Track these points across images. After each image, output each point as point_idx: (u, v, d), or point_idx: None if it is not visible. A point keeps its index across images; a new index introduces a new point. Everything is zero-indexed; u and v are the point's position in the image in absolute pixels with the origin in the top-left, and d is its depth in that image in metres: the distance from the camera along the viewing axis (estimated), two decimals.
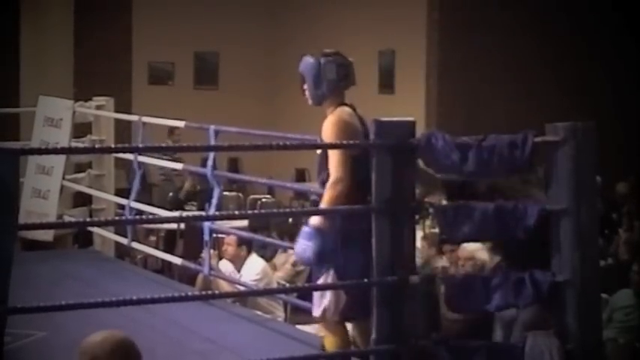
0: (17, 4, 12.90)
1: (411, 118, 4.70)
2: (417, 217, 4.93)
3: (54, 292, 6.75)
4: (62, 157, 8.46)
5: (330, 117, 4.93)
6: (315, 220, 4.84)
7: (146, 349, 3.56)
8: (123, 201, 8.11)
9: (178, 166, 8.90)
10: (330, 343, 4.96)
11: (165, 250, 9.36)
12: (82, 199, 9.03)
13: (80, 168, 9.16)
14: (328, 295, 4.87)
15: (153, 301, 4.82)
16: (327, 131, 4.86)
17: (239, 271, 7.54)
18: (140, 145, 7.47)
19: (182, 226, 9.90)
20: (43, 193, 8.43)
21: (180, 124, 7.80)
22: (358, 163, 4.78)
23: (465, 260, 7.14)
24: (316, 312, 4.96)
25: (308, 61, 5.02)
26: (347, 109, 4.96)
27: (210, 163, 6.97)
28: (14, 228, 4.25)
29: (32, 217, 8.06)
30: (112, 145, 8.99)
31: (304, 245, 4.78)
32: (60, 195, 8.49)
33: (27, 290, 5.22)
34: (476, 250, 7.12)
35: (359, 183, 4.76)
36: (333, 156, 4.80)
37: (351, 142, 4.79)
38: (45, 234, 8.37)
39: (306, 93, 5.05)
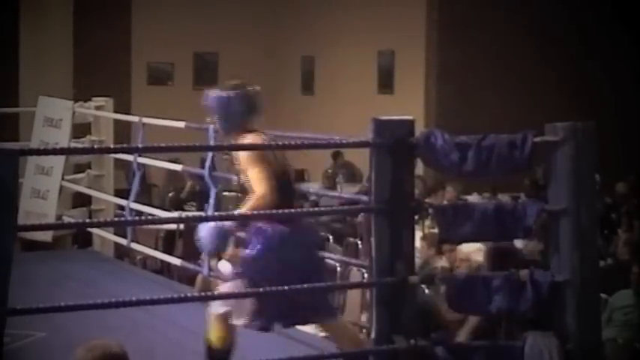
0: (17, 5, 12.91)
1: (410, 117, 4.72)
2: (416, 217, 4.95)
3: (53, 292, 6.75)
4: (61, 158, 8.46)
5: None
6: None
7: (145, 350, 3.57)
8: (122, 202, 8.11)
9: (178, 167, 8.90)
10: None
11: (165, 251, 9.35)
12: (82, 200, 9.03)
13: (79, 168, 9.16)
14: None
15: (152, 302, 4.82)
16: (244, 157, 4.87)
17: None
18: (140, 146, 7.48)
19: (182, 226, 9.89)
20: (43, 194, 8.43)
21: (180, 124, 7.81)
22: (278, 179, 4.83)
23: (460, 262, 7.17)
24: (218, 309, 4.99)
25: (214, 95, 5.08)
26: (257, 136, 4.98)
27: (208, 163, 6.98)
28: (14, 228, 4.25)
29: (31, 218, 8.06)
30: (112, 146, 8.98)
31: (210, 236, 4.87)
32: (59, 195, 8.50)
33: (26, 291, 5.21)
34: (472, 251, 7.14)
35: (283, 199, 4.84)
36: (253, 174, 4.82)
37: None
38: (44, 235, 8.36)
39: (217, 124, 5.13)
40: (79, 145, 8.54)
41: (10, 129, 10.31)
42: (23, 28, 11.39)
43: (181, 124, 7.81)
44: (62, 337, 5.61)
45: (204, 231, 4.89)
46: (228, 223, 4.93)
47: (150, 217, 7.64)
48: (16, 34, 10.56)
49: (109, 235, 8.63)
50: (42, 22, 13.91)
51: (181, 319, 6.30)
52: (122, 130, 9.46)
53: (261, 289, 4.76)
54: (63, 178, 8.55)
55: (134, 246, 8.13)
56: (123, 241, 8.21)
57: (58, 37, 13.27)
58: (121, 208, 8.23)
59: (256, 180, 4.81)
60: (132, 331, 5.38)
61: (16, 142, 9.30)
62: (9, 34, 11.06)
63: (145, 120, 8.07)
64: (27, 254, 8.15)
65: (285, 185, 4.91)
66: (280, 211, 4.83)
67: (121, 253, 9.00)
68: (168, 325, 6.23)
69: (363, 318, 6.24)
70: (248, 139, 4.95)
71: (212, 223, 4.93)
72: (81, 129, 8.87)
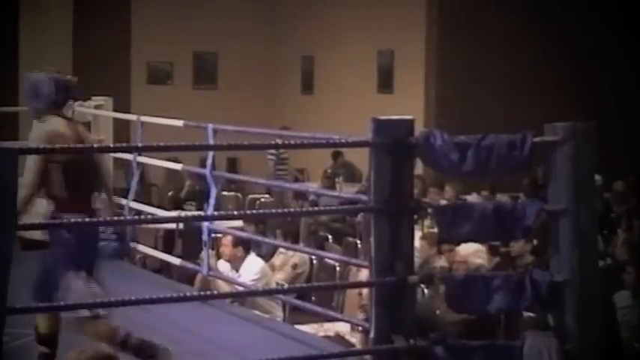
0: (16, 4, 12.92)
1: (409, 117, 4.72)
2: (415, 216, 4.95)
3: None
4: None
5: (42, 125, 5.20)
6: None
7: None
8: (122, 201, 8.10)
9: (177, 166, 8.89)
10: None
11: (164, 250, 9.35)
12: None
13: None
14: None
15: (151, 301, 4.83)
16: (33, 135, 5.19)
17: (237, 271, 7.55)
18: (139, 145, 7.48)
19: (181, 226, 9.90)
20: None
21: (179, 123, 7.81)
22: (67, 169, 5.07)
23: (458, 264, 7.18)
24: None
25: (27, 77, 5.37)
26: (62, 119, 5.26)
27: (209, 162, 6.99)
28: (13, 227, 4.25)
29: (31, 217, 8.02)
30: (111, 145, 8.98)
31: None
32: None
33: (26, 290, 5.21)
34: (470, 253, 7.15)
35: (75, 188, 5.15)
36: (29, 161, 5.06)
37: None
38: (44, 234, 8.33)
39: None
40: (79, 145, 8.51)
41: (10, 128, 10.33)
42: (23, 28, 11.43)
43: (180, 123, 7.81)
44: (61, 336, 5.62)
45: None
46: None
47: (149, 217, 7.65)
48: (15, 33, 10.59)
49: None
50: (41, 22, 13.93)
51: (180, 318, 6.32)
52: (121, 130, 9.46)
53: None
54: None
55: (133, 245, 8.14)
56: None
57: (58, 37, 13.29)
58: (121, 207, 8.22)
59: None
60: (131, 330, 5.38)
61: (16, 140, 9.28)
62: (9, 33, 11.08)
63: (144, 119, 8.09)
64: (27, 253, 8.12)
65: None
66: (279, 211, 4.88)
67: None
68: (168, 324, 6.24)
69: (361, 317, 6.24)
70: (51, 122, 5.19)
71: None
72: None
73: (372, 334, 4.62)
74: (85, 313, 5.06)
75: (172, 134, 7.97)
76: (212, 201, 6.96)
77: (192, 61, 16.31)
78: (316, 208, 9.01)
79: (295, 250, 8.81)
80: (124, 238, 5.40)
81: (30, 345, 5.82)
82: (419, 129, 4.72)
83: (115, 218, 7.82)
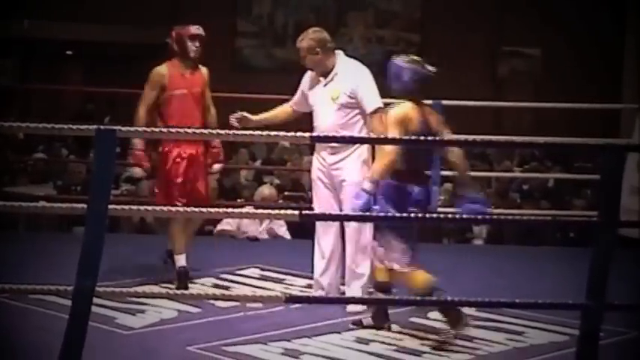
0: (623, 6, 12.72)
1: None
2: None
3: None
4: None
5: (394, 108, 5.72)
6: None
7: None
8: None
9: None
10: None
11: None
12: None
13: None
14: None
15: None
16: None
17: None
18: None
19: None
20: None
21: None
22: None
23: None
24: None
25: (392, 62, 5.81)
26: (413, 104, 5.70)
27: None
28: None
29: (630, 215, 8.01)
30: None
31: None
32: None
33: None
34: None
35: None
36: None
37: None
38: (632, 231, 8.33)
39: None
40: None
41: (611, 126, 10.32)
42: (629, 29, 11.21)
43: None
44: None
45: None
46: None
47: None
48: (622, 33, 10.45)
49: None
50: None
51: None
52: None
53: None
54: None
55: None
56: None
57: None
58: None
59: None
60: None
61: (618, 138, 9.30)
62: (616, 33, 11.00)
63: None
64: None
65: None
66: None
67: None
68: None
69: None
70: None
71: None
72: None
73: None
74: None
75: None
76: None
77: None
78: None
79: None
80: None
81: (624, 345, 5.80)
82: None
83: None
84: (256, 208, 8.90)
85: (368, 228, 6.31)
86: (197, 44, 6.80)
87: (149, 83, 6.76)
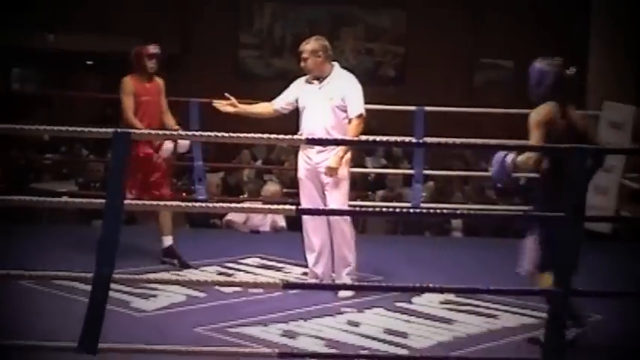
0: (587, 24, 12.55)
1: None
2: None
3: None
4: (623, 157, 8.34)
5: (537, 110, 5.26)
6: None
7: None
8: None
9: None
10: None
11: None
12: (639, 197, 8.84)
13: (638, 168, 8.96)
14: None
15: None
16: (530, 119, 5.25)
17: None
18: None
19: None
20: (603, 189, 8.37)
21: None
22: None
23: None
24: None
25: (534, 66, 5.43)
26: (556, 105, 5.27)
27: None
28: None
29: (593, 212, 8.02)
30: None
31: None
32: (618, 192, 8.38)
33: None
34: None
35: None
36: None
37: None
38: (604, 226, 8.34)
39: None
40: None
41: None
42: (592, 45, 11.05)
43: None
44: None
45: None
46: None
47: None
48: (586, 48, 10.40)
49: None
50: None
51: None
52: None
53: None
54: (623, 176, 8.42)
55: None
56: None
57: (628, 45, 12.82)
58: None
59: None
60: None
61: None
62: (580, 48, 10.94)
63: None
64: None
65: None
66: None
67: None
68: None
69: None
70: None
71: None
72: None
73: None
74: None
75: None
76: None
77: None
78: None
79: None
80: None
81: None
82: None
83: None
84: (264, 203, 8.92)
85: (349, 220, 6.40)
86: (154, 61, 7.12)
87: (125, 92, 7.07)
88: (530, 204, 5.34)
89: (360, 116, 6.33)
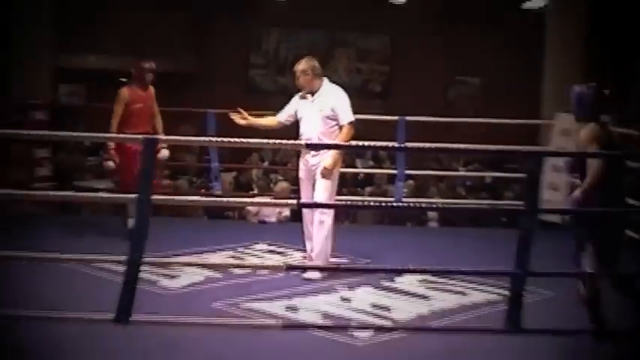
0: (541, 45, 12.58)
1: None
2: None
3: None
4: (572, 160, 8.33)
5: (583, 129, 4.99)
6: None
7: None
8: None
9: None
10: None
11: None
12: None
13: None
14: None
15: None
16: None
17: None
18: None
19: None
20: (555, 186, 8.37)
21: None
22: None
23: None
24: None
25: (573, 89, 5.10)
26: (597, 124, 4.98)
27: None
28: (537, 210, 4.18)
29: (546, 205, 8.02)
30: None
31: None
32: (568, 188, 8.38)
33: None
34: None
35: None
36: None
37: None
38: (555, 218, 8.34)
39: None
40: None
41: (533, 137, 10.32)
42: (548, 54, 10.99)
43: None
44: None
45: None
46: None
47: None
48: (541, 67, 10.39)
49: None
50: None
51: None
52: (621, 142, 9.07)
53: None
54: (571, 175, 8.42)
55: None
56: None
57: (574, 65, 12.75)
58: None
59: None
60: None
61: (538, 146, 9.28)
62: (536, 66, 10.91)
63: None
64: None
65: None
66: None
67: None
68: None
69: None
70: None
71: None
72: None
73: None
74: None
75: None
76: None
77: None
78: None
79: None
80: None
81: (542, 302, 5.79)
82: None
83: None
84: (275, 197, 8.92)
85: (331, 213, 6.34)
86: (151, 75, 7.29)
87: (118, 101, 7.24)
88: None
89: (350, 123, 6.30)
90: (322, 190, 6.33)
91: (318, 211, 6.36)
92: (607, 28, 13.07)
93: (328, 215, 6.36)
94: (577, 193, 4.91)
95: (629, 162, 6.13)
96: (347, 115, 6.33)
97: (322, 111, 6.33)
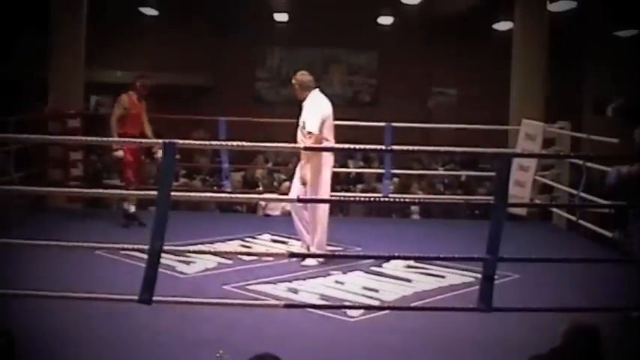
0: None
1: None
2: None
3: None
4: (535, 160, 8.34)
5: None
6: None
7: None
8: (573, 191, 7.82)
9: None
10: None
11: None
12: (547, 189, 8.83)
13: (547, 168, 8.96)
14: None
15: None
16: None
17: None
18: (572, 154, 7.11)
19: None
20: (521, 183, 8.36)
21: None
22: None
23: None
24: None
25: None
26: None
27: None
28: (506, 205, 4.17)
29: (513, 200, 8.01)
30: (571, 154, 8.69)
31: None
32: (532, 185, 8.38)
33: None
34: None
35: None
36: None
37: None
38: (521, 210, 8.33)
39: None
40: (546, 152, 8.35)
41: (502, 140, 10.32)
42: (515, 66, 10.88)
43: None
44: None
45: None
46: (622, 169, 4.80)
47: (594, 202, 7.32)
48: (508, 72, 10.33)
49: (563, 213, 8.41)
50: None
51: None
52: (576, 145, 9.09)
53: None
54: (536, 173, 8.42)
55: (581, 222, 7.81)
56: (572, 218, 7.96)
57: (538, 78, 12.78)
58: (573, 195, 7.94)
59: None
60: None
61: (506, 148, 9.28)
62: (506, 79, 10.88)
63: (593, 137, 7.72)
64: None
65: None
66: None
67: (572, 226, 8.67)
68: None
69: None
70: None
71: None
72: (548, 142, 8.67)
73: None
74: None
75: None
76: None
77: None
78: None
79: None
80: None
81: (510, 283, 5.79)
82: None
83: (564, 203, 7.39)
84: (281, 194, 8.91)
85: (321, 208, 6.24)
86: (146, 90, 7.62)
87: (119, 104, 7.51)
88: (626, 199, 4.93)
89: (310, 133, 6.03)
90: (295, 191, 6.23)
91: (311, 206, 6.32)
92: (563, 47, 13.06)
93: (321, 211, 6.27)
94: (625, 169, 4.78)
95: None
96: (310, 125, 6.08)
97: (301, 119, 6.24)
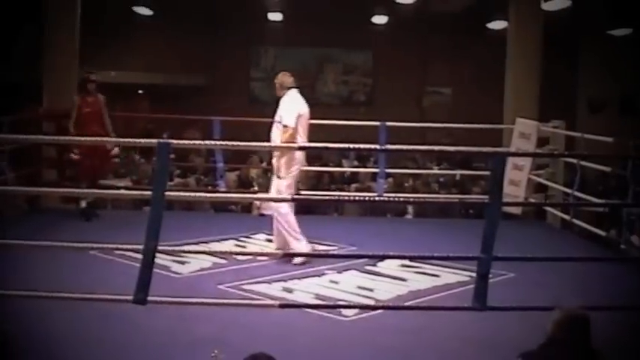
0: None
1: None
2: None
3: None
4: (530, 159, 8.34)
5: None
6: None
7: None
8: (568, 190, 7.83)
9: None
10: None
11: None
12: (541, 188, 8.84)
13: (541, 167, 8.97)
14: None
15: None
16: None
17: None
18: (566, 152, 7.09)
19: None
20: (516, 182, 8.37)
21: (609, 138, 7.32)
22: None
23: None
24: None
25: None
26: None
27: None
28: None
29: (507, 198, 8.01)
30: (565, 152, 8.70)
31: None
32: (527, 184, 8.39)
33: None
34: None
35: None
36: None
37: None
38: (515, 209, 8.34)
39: None
40: (540, 151, 8.36)
41: (496, 139, 10.31)
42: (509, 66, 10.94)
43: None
44: None
45: None
46: None
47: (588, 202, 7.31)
48: (502, 77, 10.37)
49: (557, 212, 8.42)
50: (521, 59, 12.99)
51: None
52: (570, 144, 9.10)
53: None
54: (530, 172, 8.43)
55: (575, 221, 7.83)
56: (566, 217, 7.96)
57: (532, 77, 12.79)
58: (567, 194, 7.94)
59: None
60: None
61: (500, 147, 9.28)
62: (498, 78, 10.89)
63: (586, 136, 7.73)
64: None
65: None
66: None
67: (566, 225, 8.68)
68: None
69: None
70: None
71: None
72: (543, 141, 8.68)
73: None
74: None
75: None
76: None
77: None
78: None
79: None
80: None
81: (504, 281, 5.79)
82: None
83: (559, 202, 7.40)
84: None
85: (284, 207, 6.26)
86: (93, 84, 7.82)
87: (72, 108, 7.72)
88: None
89: (285, 126, 6.16)
90: (275, 189, 6.29)
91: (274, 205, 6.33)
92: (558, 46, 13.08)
93: (282, 207, 6.28)
94: None
95: None
96: (286, 120, 6.19)
97: (276, 116, 6.31)
